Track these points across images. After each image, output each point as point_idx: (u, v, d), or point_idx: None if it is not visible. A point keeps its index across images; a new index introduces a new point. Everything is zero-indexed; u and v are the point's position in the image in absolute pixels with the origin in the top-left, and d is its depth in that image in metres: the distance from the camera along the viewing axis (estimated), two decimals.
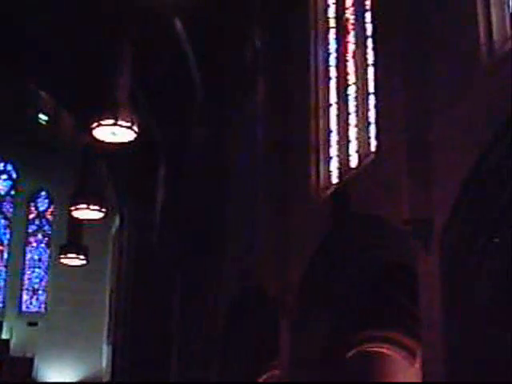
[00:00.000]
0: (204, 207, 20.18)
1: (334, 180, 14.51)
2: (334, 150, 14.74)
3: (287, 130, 16.05)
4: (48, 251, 33.91)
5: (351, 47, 14.67)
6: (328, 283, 14.50)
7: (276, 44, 17.02)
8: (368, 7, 13.99)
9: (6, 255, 33.77)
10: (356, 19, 14.55)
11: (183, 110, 21.70)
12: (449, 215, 10.64)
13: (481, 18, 10.36)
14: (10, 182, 34.34)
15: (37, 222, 34.46)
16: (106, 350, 31.12)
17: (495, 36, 10.29)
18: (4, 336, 31.53)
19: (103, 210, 25.09)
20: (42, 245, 34.23)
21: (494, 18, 10.33)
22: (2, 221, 34.12)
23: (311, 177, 14.94)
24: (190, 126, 21.65)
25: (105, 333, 32.02)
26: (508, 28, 10.27)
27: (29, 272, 33.88)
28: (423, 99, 11.24)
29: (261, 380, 18.95)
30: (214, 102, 20.44)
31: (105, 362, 30.98)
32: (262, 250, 16.55)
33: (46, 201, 34.47)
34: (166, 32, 20.44)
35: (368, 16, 13.95)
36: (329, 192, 14.42)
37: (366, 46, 13.97)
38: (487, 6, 10.40)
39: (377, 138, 12.85)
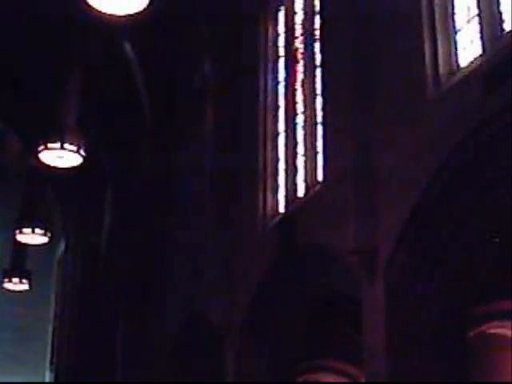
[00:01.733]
0: (151, 234, 20.03)
1: (281, 209, 14.51)
2: (281, 179, 14.75)
3: (235, 158, 16.02)
4: None
5: (300, 76, 14.73)
6: (274, 312, 14.45)
7: (225, 72, 17.03)
8: (317, 37, 14.09)
9: None
10: (305, 49, 14.62)
11: (132, 134, 21.59)
12: (393, 246, 10.70)
13: (428, 52, 10.48)
14: None
15: None
16: (49, 377, 30.65)
17: (441, 70, 10.42)
18: None
19: (48, 234, 24.79)
20: None
21: (440, 52, 10.46)
22: None
23: (258, 205, 14.92)
24: (138, 151, 21.54)
25: (48, 359, 31.54)
26: (454, 62, 10.41)
27: None
28: (370, 130, 11.32)
29: None
30: (163, 128, 20.36)
31: None
32: (209, 279, 16.43)
33: None
34: (115, 56, 20.36)
35: (317, 46, 14.04)
36: (275, 221, 14.42)
37: (314, 76, 14.04)
38: (434, 40, 10.53)
39: (324, 167, 12.89)
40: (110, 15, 13.13)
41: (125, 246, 21.12)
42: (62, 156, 18.12)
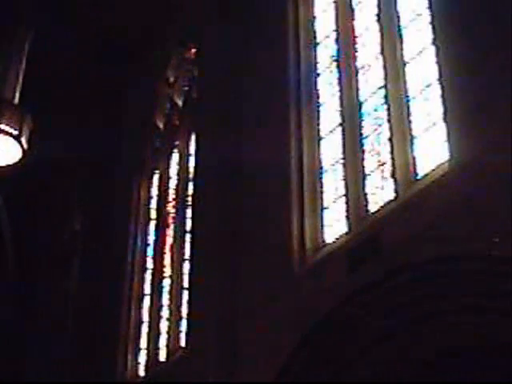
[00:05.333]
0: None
1: (142, 373, 14.21)
2: (143, 342, 14.52)
3: (98, 317, 15.67)
4: None
5: (169, 240, 14.81)
6: None
7: (95, 227, 16.90)
8: (189, 203, 14.28)
9: None
10: (177, 213, 14.77)
11: None
12: None
13: (295, 227, 10.76)
14: None
15: None
16: None
17: (308, 245, 10.68)
18: None
19: None
20: None
21: (307, 228, 10.75)
22: None
23: (118, 367, 14.56)
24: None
25: None
26: (320, 238, 10.71)
27: None
28: (235, 301, 11.39)
29: None
30: (27, 279, 19.87)
31: None
32: None
33: None
34: None
35: (188, 212, 14.21)
36: None
37: (184, 241, 14.13)
38: (301, 216, 10.85)
39: (187, 333, 12.80)
40: None
41: None
42: None
